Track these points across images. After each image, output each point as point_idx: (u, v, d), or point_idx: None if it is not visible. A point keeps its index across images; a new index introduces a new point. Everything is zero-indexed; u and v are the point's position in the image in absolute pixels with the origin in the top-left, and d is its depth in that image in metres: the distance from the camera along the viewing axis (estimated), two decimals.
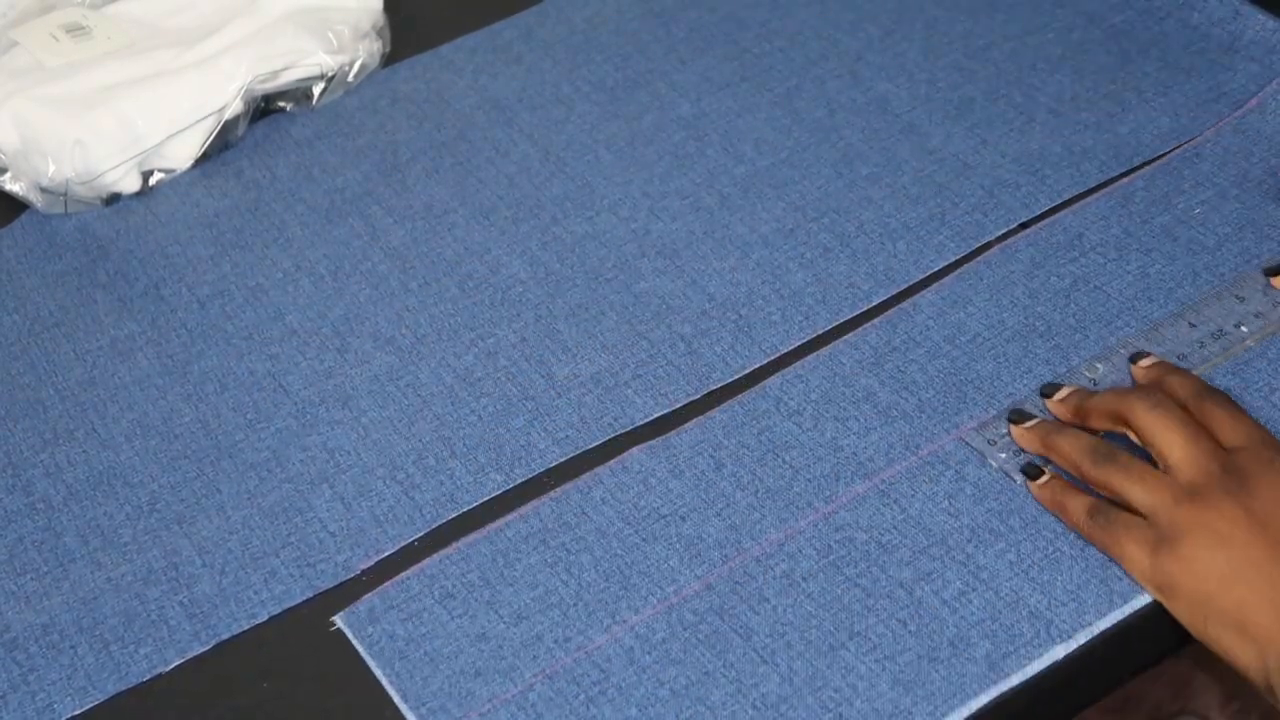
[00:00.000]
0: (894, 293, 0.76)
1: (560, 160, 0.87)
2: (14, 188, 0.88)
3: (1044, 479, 0.65)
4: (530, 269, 0.81)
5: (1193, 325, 0.71)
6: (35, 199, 0.88)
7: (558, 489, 0.69)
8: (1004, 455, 0.67)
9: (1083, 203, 0.79)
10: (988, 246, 0.78)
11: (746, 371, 0.74)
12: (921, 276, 0.77)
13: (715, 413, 0.71)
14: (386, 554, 0.68)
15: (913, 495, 0.67)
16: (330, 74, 0.93)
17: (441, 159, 0.89)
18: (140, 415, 0.76)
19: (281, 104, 0.93)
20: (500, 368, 0.76)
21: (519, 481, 0.70)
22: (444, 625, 0.64)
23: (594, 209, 0.84)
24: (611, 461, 0.70)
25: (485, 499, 0.70)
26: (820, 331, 0.75)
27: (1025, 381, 0.71)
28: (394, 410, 0.74)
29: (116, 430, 0.76)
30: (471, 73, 0.95)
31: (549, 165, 0.87)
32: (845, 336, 0.74)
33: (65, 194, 0.87)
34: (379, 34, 0.96)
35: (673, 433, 0.71)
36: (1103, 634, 0.61)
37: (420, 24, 0.99)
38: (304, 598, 0.67)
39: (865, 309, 0.76)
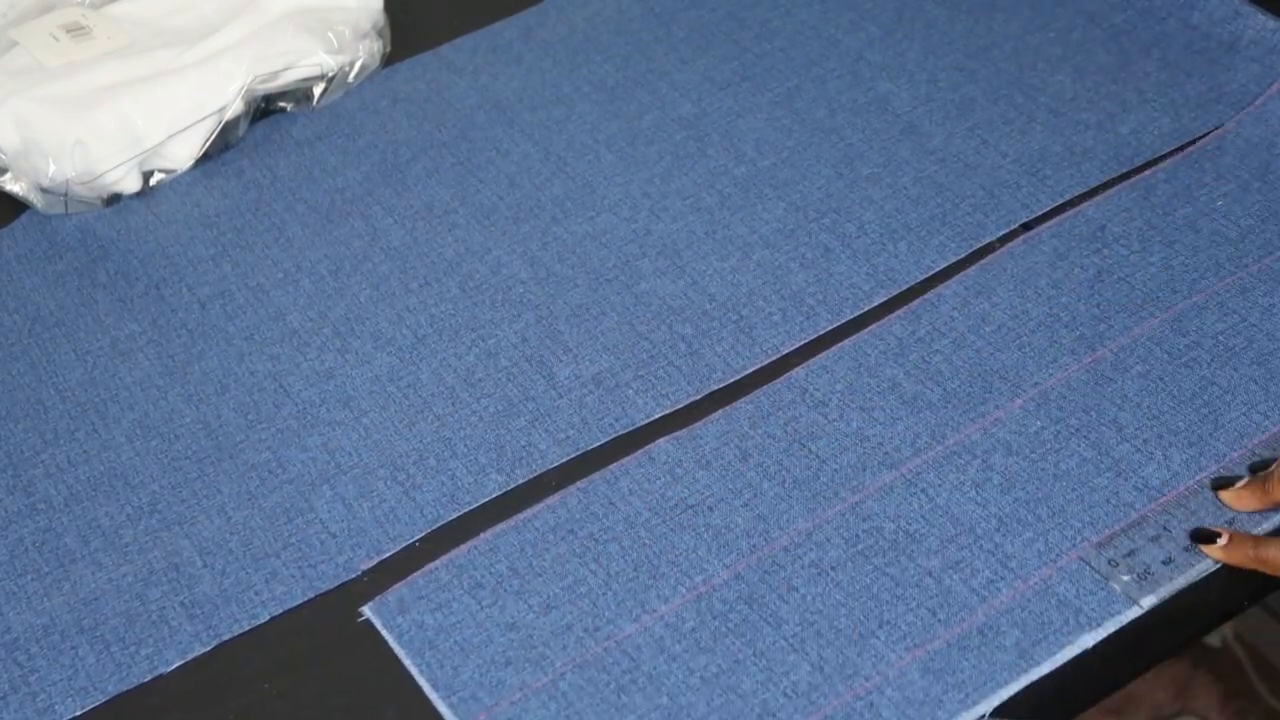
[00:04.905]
0: (895, 293, 0.76)
1: (561, 160, 0.87)
2: (14, 188, 0.88)
3: (1224, 540, 0.63)
4: (531, 269, 0.81)
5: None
6: (35, 199, 0.88)
7: (584, 479, 0.69)
8: (1127, 578, 0.63)
9: (1104, 195, 0.79)
10: (989, 248, 0.78)
11: (748, 372, 0.74)
12: (923, 277, 0.77)
13: (741, 403, 0.72)
14: (387, 554, 0.68)
15: (940, 485, 0.67)
16: (330, 74, 0.93)
17: (442, 159, 0.89)
18: (141, 415, 0.76)
19: (282, 104, 0.93)
20: (501, 368, 0.76)
21: (520, 482, 0.70)
22: (473, 615, 0.64)
23: (595, 209, 0.84)
24: (638, 452, 0.70)
25: (486, 499, 0.70)
26: (821, 332, 0.75)
27: (1050, 371, 0.71)
28: (395, 411, 0.74)
29: (117, 431, 0.75)
30: (471, 73, 0.95)
31: (549, 165, 0.87)
32: (869, 327, 0.74)
33: (65, 194, 0.87)
34: (379, 34, 0.96)
35: (698, 423, 0.71)
36: (1133, 622, 0.62)
37: (420, 24, 0.99)
38: (305, 598, 0.67)
39: (866, 309, 0.76)
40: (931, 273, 0.77)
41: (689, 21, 0.96)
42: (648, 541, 0.66)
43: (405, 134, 0.91)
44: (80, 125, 0.86)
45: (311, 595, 0.67)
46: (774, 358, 0.74)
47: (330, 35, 0.92)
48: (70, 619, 0.67)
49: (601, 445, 0.71)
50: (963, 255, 0.78)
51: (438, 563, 0.67)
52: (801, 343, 0.75)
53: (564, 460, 0.71)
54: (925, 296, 0.75)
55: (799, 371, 0.73)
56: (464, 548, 0.67)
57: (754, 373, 0.74)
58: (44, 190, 0.87)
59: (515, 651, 0.63)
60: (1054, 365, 0.71)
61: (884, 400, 0.71)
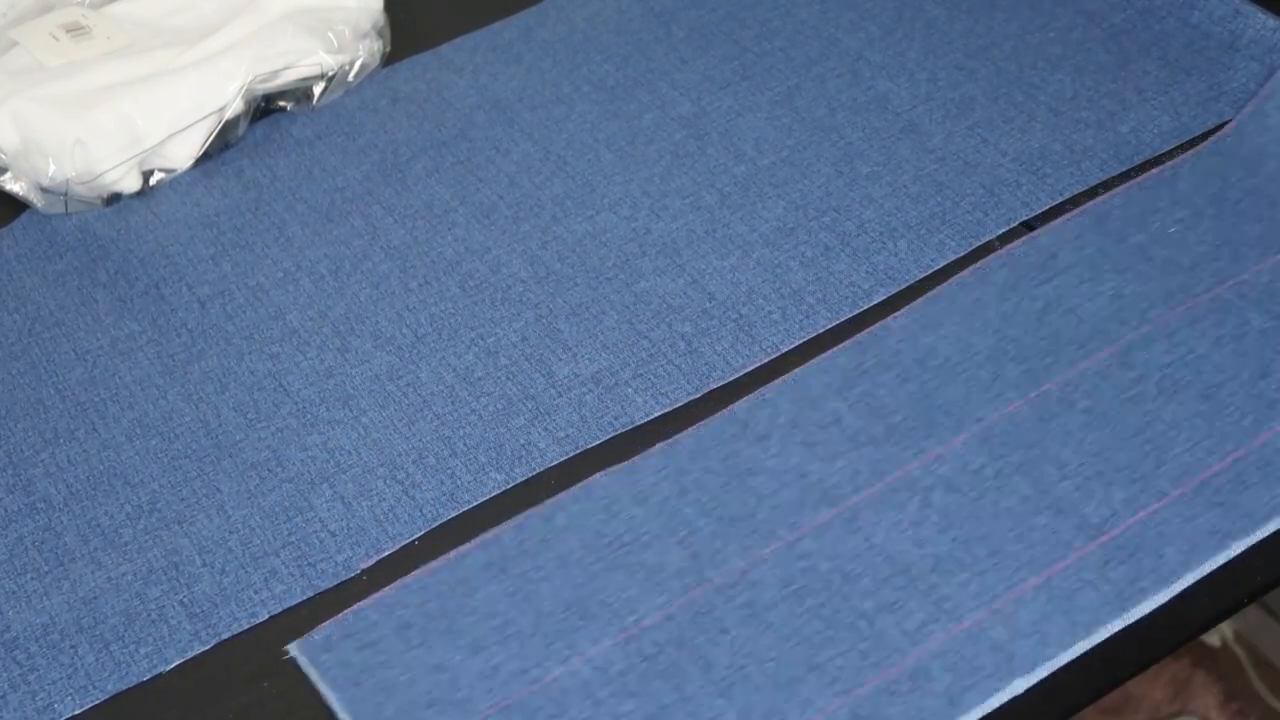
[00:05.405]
0: (895, 291, 0.76)
1: (561, 159, 0.87)
2: (14, 188, 0.88)
3: None
4: (531, 268, 0.81)
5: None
6: (35, 199, 0.88)
7: (521, 515, 0.68)
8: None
9: (1058, 222, 0.78)
10: (989, 247, 0.78)
11: (747, 370, 0.74)
12: (923, 275, 0.77)
13: (681, 437, 0.70)
14: (387, 553, 0.68)
15: (877, 523, 0.65)
16: (330, 73, 0.93)
17: (442, 158, 0.89)
18: (141, 415, 0.76)
19: (282, 104, 0.93)
20: (501, 367, 0.76)
21: (519, 480, 0.70)
22: (400, 655, 0.63)
23: (594, 208, 0.84)
24: (575, 487, 0.69)
25: (486, 498, 0.70)
26: (821, 330, 0.75)
27: (995, 406, 0.69)
28: (394, 410, 0.74)
29: (117, 430, 0.76)
30: (471, 72, 0.95)
31: (549, 164, 0.87)
32: (814, 360, 0.72)
33: (65, 194, 0.87)
34: (379, 33, 0.96)
35: (637, 457, 0.70)
36: (1065, 666, 0.61)
37: (420, 24, 0.99)
38: (304, 597, 0.67)
39: (866, 307, 0.76)
40: (931, 270, 0.77)
41: (689, 21, 0.96)
42: (580, 581, 0.65)
43: (405, 134, 0.91)
44: (80, 125, 0.86)
45: (311, 594, 0.67)
46: (773, 356, 0.74)
47: (330, 35, 0.92)
48: (70, 618, 0.67)
49: (601, 443, 0.71)
50: (963, 253, 0.78)
51: (367, 601, 0.66)
52: (801, 341, 0.75)
53: (564, 459, 0.71)
54: (871, 329, 0.74)
55: (741, 405, 0.71)
56: (394, 585, 0.66)
57: (750, 372, 0.74)
58: (44, 190, 0.87)
59: (440, 693, 0.62)
60: (999, 400, 0.69)
61: (826, 435, 0.69)
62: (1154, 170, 0.79)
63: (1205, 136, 0.82)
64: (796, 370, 0.72)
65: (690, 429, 0.70)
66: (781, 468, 0.68)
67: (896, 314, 0.74)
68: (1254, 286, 0.73)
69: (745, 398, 0.71)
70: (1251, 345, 0.70)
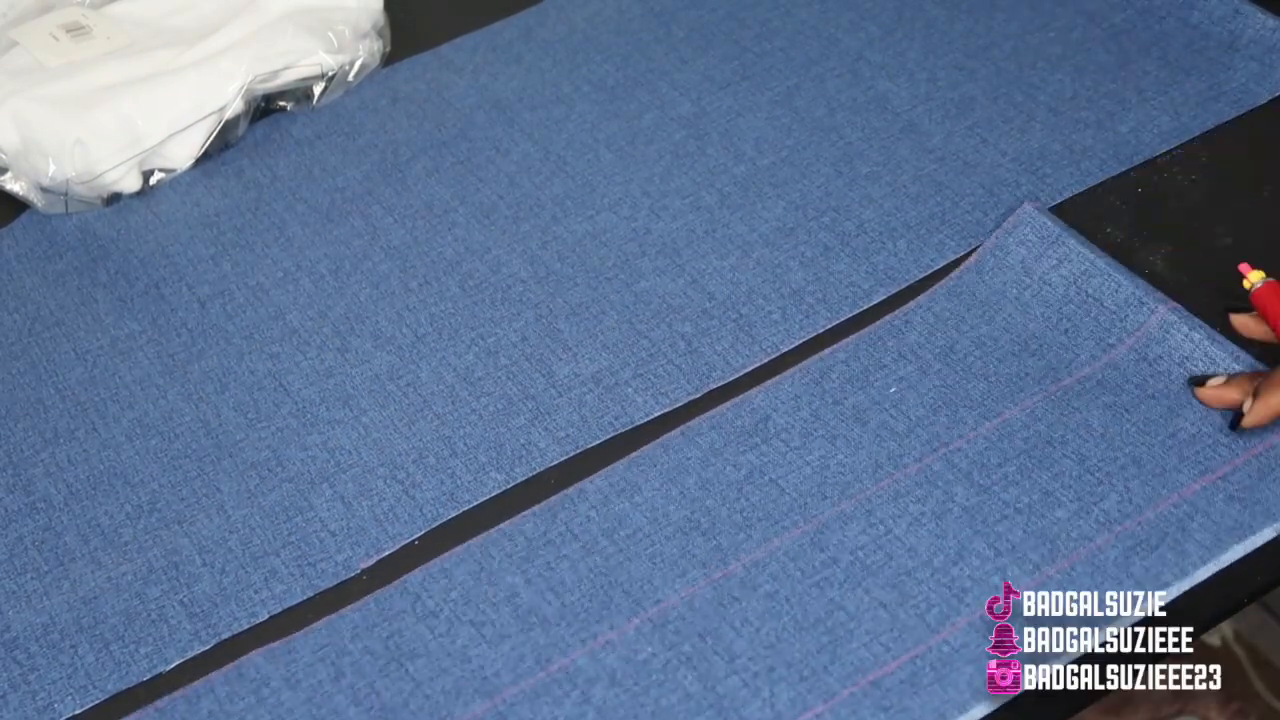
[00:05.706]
0: (894, 291, 0.76)
1: (561, 159, 0.87)
2: (14, 188, 0.88)
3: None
4: (531, 268, 0.81)
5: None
6: (36, 199, 0.88)
7: (166, 698, 0.64)
8: None
9: (776, 380, 0.73)
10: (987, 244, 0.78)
11: (747, 370, 0.74)
12: (922, 275, 0.77)
13: (348, 611, 0.66)
14: (387, 553, 0.68)
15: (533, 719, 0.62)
16: (330, 73, 0.93)
17: (442, 158, 0.89)
18: (141, 414, 0.76)
19: (282, 103, 0.93)
20: (501, 367, 0.76)
21: (519, 480, 0.70)
22: None
23: (594, 208, 0.84)
24: (227, 668, 0.65)
25: (486, 498, 0.70)
26: (821, 330, 0.75)
27: (676, 587, 0.65)
28: (394, 409, 0.74)
29: (117, 429, 0.76)
30: (471, 72, 0.95)
31: (549, 164, 0.87)
32: (501, 525, 0.68)
33: (66, 194, 0.87)
34: (379, 34, 0.96)
35: (298, 633, 0.66)
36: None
37: (420, 24, 0.99)
38: (304, 597, 0.67)
39: (866, 307, 0.76)
40: (931, 270, 0.77)
41: (689, 21, 0.96)
42: None
43: (405, 133, 0.91)
44: (80, 125, 0.86)
45: (311, 594, 0.67)
46: (773, 356, 0.74)
47: (330, 35, 0.92)
48: (70, 617, 0.67)
49: (601, 443, 0.71)
50: (963, 253, 0.78)
51: None
52: (801, 341, 0.75)
53: (563, 458, 0.71)
54: (566, 492, 0.69)
55: (415, 575, 0.67)
56: None
57: (750, 372, 0.74)
58: (44, 190, 0.87)
59: None
60: (681, 580, 0.65)
61: (497, 614, 0.65)
62: (886, 317, 0.75)
63: (1203, 138, 0.82)
64: (480, 537, 0.68)
65: (358, 602, 0.66)
66: (444, 651, 0.64)
67: (594, 476, 0.70)
68: (965, 456, 0.68)
69: (419, 568, 0.67)
70: (951, 525, 0.66)
